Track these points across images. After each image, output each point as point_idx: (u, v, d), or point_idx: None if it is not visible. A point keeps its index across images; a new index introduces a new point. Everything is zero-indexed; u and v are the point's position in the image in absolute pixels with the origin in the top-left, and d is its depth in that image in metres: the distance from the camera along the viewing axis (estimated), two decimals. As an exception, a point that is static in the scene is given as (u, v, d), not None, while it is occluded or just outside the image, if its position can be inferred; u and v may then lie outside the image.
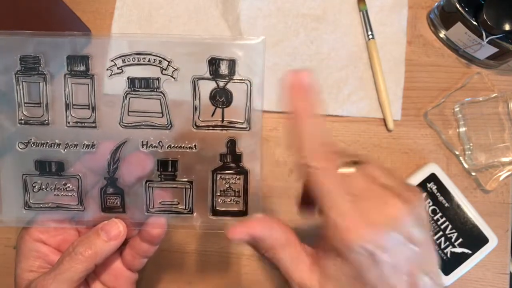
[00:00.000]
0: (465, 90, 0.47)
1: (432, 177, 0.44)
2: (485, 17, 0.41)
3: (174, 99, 0.29)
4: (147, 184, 0.30)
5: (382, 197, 0.23)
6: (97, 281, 0.33)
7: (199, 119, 0.29)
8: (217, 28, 0.49)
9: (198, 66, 0.29)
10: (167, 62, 0.28)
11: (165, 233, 0.31)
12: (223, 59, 0.29)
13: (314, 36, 0.49)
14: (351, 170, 0.25)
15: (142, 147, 0.30)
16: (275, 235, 0.26)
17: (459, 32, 0.45)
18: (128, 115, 0.29)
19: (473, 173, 0.46)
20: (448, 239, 0.43)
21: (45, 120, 0.29)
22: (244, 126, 0.30)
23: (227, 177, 0.30)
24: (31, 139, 0.29)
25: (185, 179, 0.30)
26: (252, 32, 0.48)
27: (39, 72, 0.29)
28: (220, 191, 0.30)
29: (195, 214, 0.31)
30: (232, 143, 0.30)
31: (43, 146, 0.29)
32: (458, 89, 0.47)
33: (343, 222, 0.23)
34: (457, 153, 0.47)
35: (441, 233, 0.43)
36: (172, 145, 0.30)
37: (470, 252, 0.43)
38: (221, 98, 0.29)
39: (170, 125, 0.29)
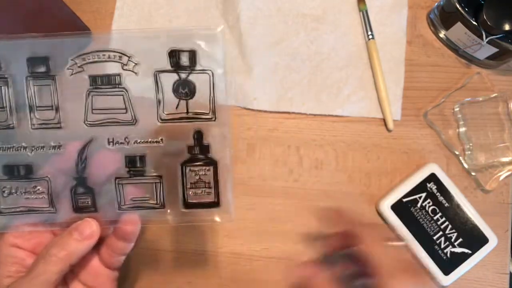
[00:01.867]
0: (465, 90, 0.47)
1: (432, 177, 0.44)
2: (485, 17, 0.41)
3: (137, 94, 0.29)
4: (116, 181, 0.30)
5: None
6: (76, 281, 0.32)
7: (163, 112, 0.29)
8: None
9: (159, 59, 0.28)
10: (127, 57, 0.28)
11: (141, 229, 0.31)
12: (183, 51, 0.28)
13: (314, 36, 0.49)
14: None
15: (109, 145, 0.29)
16: None
17: (459, 32, 0.45)
18: (92, 113, 0.29)
19: (473, 173, 0.46)
20: (448, 239, 0.43)
21: (10, 124, 0.29)
22: (209, 116, 0.29)
23: (196, 169, 0.30)
24: None
25: (155, 174, 0.30)
26: (252, 32, 0.48)
27: (0, 76, 0.28)
28: (191, 183, 0.30)
29: (167, 208, 0.31)
30: (199, 135, 0.30)
31: (10, 150, 0.29)
32: (458, 89, 0.47)
33: None
34: (457, 153, 0.47)
35: (441, 233, 0.43)
36: (139, 141, 0.29)
37: (470, 252, 0.43)
38: (184, 89, 0.29)
39: (135, 121, 0.29)
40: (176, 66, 0.29)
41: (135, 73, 0.29)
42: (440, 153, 0.47)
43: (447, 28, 0.47)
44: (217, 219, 0.31)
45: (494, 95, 0.47)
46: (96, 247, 0.31)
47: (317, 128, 0.48)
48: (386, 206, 0.44)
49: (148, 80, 0.29)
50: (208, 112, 0.29)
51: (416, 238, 0.43)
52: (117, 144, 0.29)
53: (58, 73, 0.29)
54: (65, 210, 0.30)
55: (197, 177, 0.30)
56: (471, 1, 0.43)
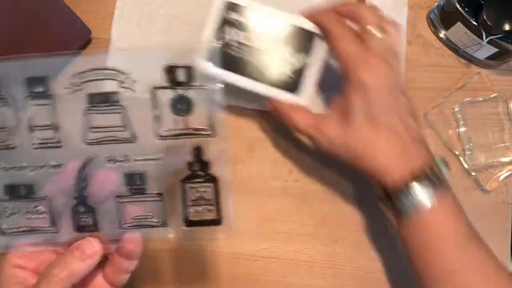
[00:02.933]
0: (465, 90, 0.47)
1: (229, 7, 0.39)
2: (485, 17, 0.41)
3: (135, 111, 0.29)
4: (117, 200, 0.30)
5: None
6: None
7: (162, 129, 0.29)
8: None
9: (155, 75, 0.28)
10: (124, 75, 0.28)
11: (143, 246, 0.31)
12: (179, 66, 0.28)
13: (314, 36, 0.48)
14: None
15: (109, 163, 0.29)
16: None
17: (459, 32, 0.45)
18: (91, 131, 0.29)
19: (473, 173, 0.46)
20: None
21: (10, 144, 0.29)
22: (208, 132, 0.29)
23: (196, 186, 0.30)
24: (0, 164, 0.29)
25: (155, 192, 0.30)
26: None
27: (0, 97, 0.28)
28: (192, 200, 0.30)
29: (168, 226, 0.30)
30: (198, 151, 0.29)
31: (11, 170, 0.29)
32: (458, 89, 0.48)
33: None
34: (457, 153, 0.47)
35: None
36: (138, 158, 0.29)
37: (306, 55, 0.40)
38: (182, 106, 0.29)
39: (134, 138, 0.29)
40: (173, 83, 0.28)
41: (133, 90, 0.28)
42: (440, 153, 0.47)
43: (447, 28, 0.47)
44: (220, 236, 0.31)
45: (494, 95, 0.47)
46: (100, 266, 0.31)
47: (317, 128, 0.48)
48: (204, 65, 0.37)
49: (146, 97, 0.29)
50: (207, 128, 0.29)
51: (250, 77, 0.39)
52: (116, 162, 0.29)
53: (57, 92, 0.29)
54: (66, 229, 0.30)
55: (198, 194, 0.30)
56: (471, 1, 0.43)
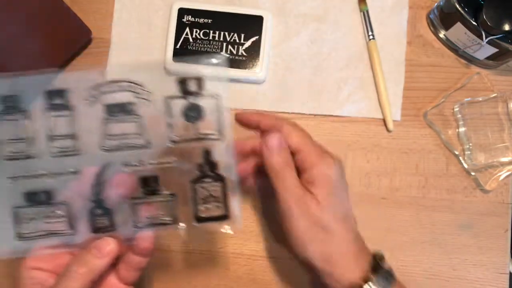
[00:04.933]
0: (465, 90, 0.48)
1: (182, 11, 0.48)
2: (484, 17, 0.41)
3: (150, 119, 0.31)
4: (132, 201, 0.32)
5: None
6: None
7: (174, 135, 0.31)
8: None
9: (169, 86, 0.31)
10: (140, 87, 0.30)
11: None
12: (190, 78, 0.31)
13: (314, 36, 0.49)
14: None
15: (124, 168, 0.31)
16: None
17: (458, 32, 0.45)
18: (108, 139, 0.31)
19: (472, 173, 0.46)
20: (234, 43, 0.47)
21: (30, 154, 0.30)
22: (217, 136, 0.32)
23: (206, 185, 0.32)
24: (17, 173, 0.31)
25: (167, 192, 0.32)
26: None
27: (19, 109, 0.30)
28: (201, 199, 0.32)
29: (180, 223, 0.32)
30: (207, 154, 0.32)
31: (30, 179, 0.31)
32: (457, 89, 0.48)
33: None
34: (456, 153, 0.47)
35: (225, 42, 0.47)
36: (152, 162, 0.31)
37: (257, 37, 0.47)
38: (192, 113, 0.31)
39: (148, 144, 0.31)
40: (185, 92, 0.31)
41: (148, 100, 0.31)
42: (439, 153, 0.47)
43: (446, 28, 0.47)
44: (229, 231, 0.33)
45: (493, 95, 0.47)
46: (113, 265, 0.32)
47: (317, 128, 0.48)
48: (169, 64, 0.46)
49: (159, 106, 0.31)
50: (215, 132, 0.32)
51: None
52: (132, 167, 0.31)
53: (75, 103, 0.30)
54: (84, 231, 0.32)
55: (207, 193, 0.32)
56: (471, 1, 0.43)
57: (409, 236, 0.46)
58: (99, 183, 0.31)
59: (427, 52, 0.49)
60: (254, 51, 0.47)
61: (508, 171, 0.46)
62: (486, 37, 0.42)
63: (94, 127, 0.31)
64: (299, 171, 0.34)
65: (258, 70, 0.47)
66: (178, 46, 0.47)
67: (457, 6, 0.43)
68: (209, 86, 0.31)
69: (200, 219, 0.32)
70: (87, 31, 0.48)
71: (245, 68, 0.47)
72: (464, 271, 0.45)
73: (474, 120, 0.47)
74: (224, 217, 0.32)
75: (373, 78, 0.48)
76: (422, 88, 0.48)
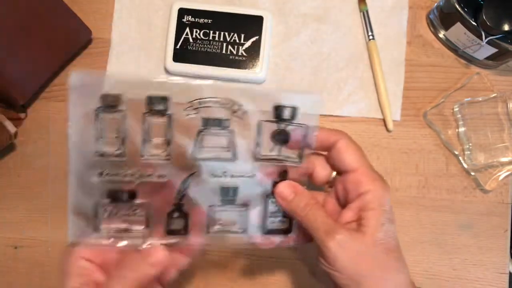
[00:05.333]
0: (465, 90, 0.48)
1: (182, 11, 0.48)
2: (484, 17, 0.41)
3: (240, 135, 0.33)
4: (209, 209, 0.34)
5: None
6: None
7: (260, 153, 0.34)
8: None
9: (264, 109, 0.33)
10: (238, 106, 0.33)
11: None
12: (286, 106, 0.33)
13: (314, 36, 0.49)
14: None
15: (209, 177, 0.33)
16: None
17: (458, 32, 0.45)
18: (199, 149, 0.33)
19: (472, 173, 0.46)
20: (234, 43, 0.47)
21: (120, 153, 0.32)
22: (296, 161, 0.34)
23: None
24: (105, 170, 0.32)
25: (242, 203, 0.34)
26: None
27: (118, 109, 0.31)
28: (271, 213, 0.35)
29: (249, 234, 0.35)
30: (284, 174, 0.34)
31: (116, 176, 0.32)
32: (457, 89, 0.48)
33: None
34: (456, 153, 0.47)
35: (225, 44, 0.47)
36: (235, 174, 0.34)
37: (257, 37, 0.48)
38: (280, 137, 0.34)
39: (234, 158, 0.33)
40: (278, 118, 0.33)
41: (242, 119, 0.33)
42: (439, 153, 0.47)
43: (446, 28, 0.47)
44: (292, 245, 0.35)
45: (493, 95, 0.47)
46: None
47: (317, 128, 0.48)
48: (170, 65, 0.47)
49: (251, 125, 0.33)
50: (296, 157, 0.34)
51: (213, 64, 0.47)
52: (216, 177, 0.33)
53: (174, 112, 0.32)
54: (158, 232, 0.33)
55: (277, 208, 0.34)
56: (471, 2, 0.43)
57: (409, 236, 0.46)
58: (183, 189, 0.33)
59: (427, 52, 0.49)
60: (254, 51, 0.47)
61: (507, 171, 0.46)
62: (485, 37, 0.42)
63: (189, 137, 0.32)
64: (347, 191, 0.33)
65: (258, 70, 0.47)
66: (178, 46, 0.47)
67: (457, 6, 0.43)
68: (301, 116, 0.33)
69: (267, 231, 0.35)
70: (87, 31, 0.48)
71: (245, 68, 0.47)
72: (464, 271, 0.45)
73: (474, 120, 0.47)
74: (287, 231, 0.35)
75: (373, 78, 0.48)
76: (422, 88, 0.48)
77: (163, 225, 0.33)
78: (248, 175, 0.34)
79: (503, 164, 0.46)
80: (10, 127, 0.44)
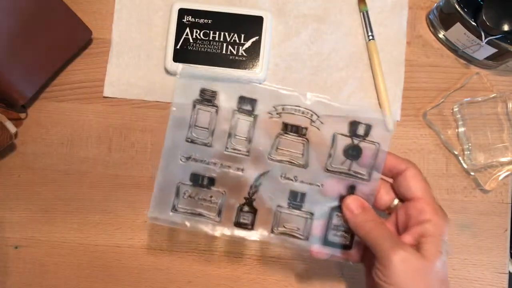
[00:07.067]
0: (464, 91, 0.48)
1: (182, 12, 0.48)
2: (484, 17, 0.41)
3: (315, 145, 0.36)
4: (277, 209, 0.36)
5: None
6: None
7: (331, 165, 0.35)
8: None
9: (340, 123, 0.35)
10: (317, 117, 0.35)
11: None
12: (361, 123, 0.35)
13: (314, 36, 0.49)
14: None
15: (280, 178, 0.36)
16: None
17: (458, 32, 0.45)
18: (275, 151, 0.36)
19: (472, 173, 0.46)
20: (234, 43, 0.48)
21: (208, 143, 0.36)
22: (365, 177, 0.35)
23: (342, 215, 0.36)
24: (192, 155, 0.36)
25: (308, 210, 0.36)
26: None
27: (213, 104, 0.35)
28: (334, 225, 0.36)
29: (309, 241, 0.36)
30: (352, 189, 0.36)
31: (201, 163, 0.36)
32: (457, 89, 0.48)
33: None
34: (456, 153, 0.47)
35: (225, 44, 0.47)
36: (304, 181, 0.36)
37: (257, 37, 0.48)
38: (352, 152, 0.35)
39: (306, 165, 0.36)
40: (352, 133, 0.35)
41: (318, 129, 0.35)
42: (439, 153, 0.47)
43: (446, 28, 0.47)
44: (350, 262, 0.36)
45: (493, 95, 0.47)
46: None
47: (317, 128, 0.48)
48: (170, 65, 0.47)
49: (326, 137, 0.35)
50: (365, 174, 0.35)
51: (213, 65, 0.47)
52: (286, 180, 0.36)
53: (260, 113, 0.35)
54: (227, 222, 0.36)
55: (340, 222, 0.36)
56: (470, 2, 0.43)
57: (408, 236, 0.46)
58: (255, 185, 0.36)
59: (426, 53, 0.49)
60: (254, 52, 0.47)
61: (507, 171, 0.46)
62: (485, 38, 0.42)
63: (269, 138, 0.35)
64: (408, 217, 0.34)
65: (258, 71, 0.47)
66: (178, 47, 0.48)
67: (457, 6, 0.43)
68: (374, 134, 0.35)
69: (327, 243, 0.36)
70: (87, 31, 0.48)
71: (245, 69, 0.47)
72: (464, 271, 0.46)
73: (474, 120, 0.47)
74: (347, 247, 0.36)
75: (373, 78, 0.48)
76: (421, 88, 0.48)
77: (232, 217, 0.36)
78: (316, 183, 0.36)
79: (503, 164, 0.46)
80: (11, 127, 0.44)
